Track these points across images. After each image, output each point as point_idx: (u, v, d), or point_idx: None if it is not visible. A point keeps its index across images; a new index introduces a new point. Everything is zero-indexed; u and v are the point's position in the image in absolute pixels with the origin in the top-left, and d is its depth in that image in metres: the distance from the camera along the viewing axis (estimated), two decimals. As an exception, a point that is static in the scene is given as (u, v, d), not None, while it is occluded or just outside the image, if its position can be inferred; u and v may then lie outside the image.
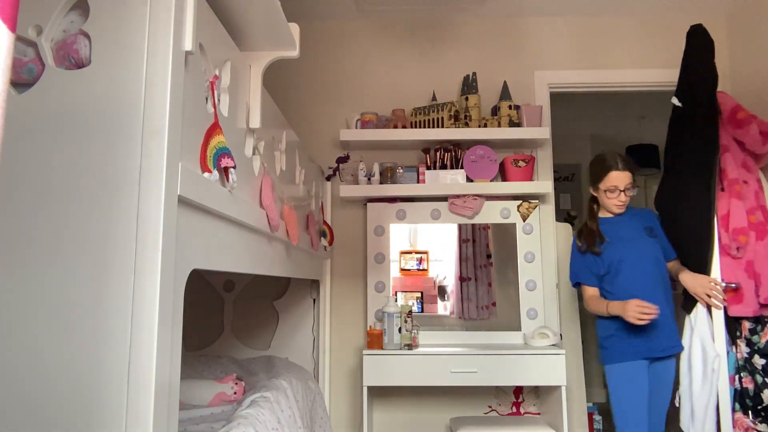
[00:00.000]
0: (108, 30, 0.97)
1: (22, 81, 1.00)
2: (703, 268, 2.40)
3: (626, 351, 2.28)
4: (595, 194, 2.46)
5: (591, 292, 2.41)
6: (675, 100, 2.54)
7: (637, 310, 2.15)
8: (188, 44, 1.01)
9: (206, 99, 1.17)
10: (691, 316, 2.42)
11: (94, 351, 0.88)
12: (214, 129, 1.17)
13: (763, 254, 2.40)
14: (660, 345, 2.29)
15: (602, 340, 2.37)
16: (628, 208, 2.45)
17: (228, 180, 1.24)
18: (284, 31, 1.60)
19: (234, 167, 1.24)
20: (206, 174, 1.12)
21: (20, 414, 0.88)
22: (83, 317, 0.89)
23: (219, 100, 1.25)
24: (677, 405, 2.46)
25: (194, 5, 1.03)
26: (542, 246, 3.05)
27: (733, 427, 2.35)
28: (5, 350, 0.89)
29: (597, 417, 3.11)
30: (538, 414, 3.00)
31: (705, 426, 2.34)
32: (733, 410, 2.38)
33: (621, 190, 2.36)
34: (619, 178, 2.35)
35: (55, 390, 0.88)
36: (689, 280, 2.38)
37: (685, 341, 2.42)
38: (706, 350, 2.36)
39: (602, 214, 2.47)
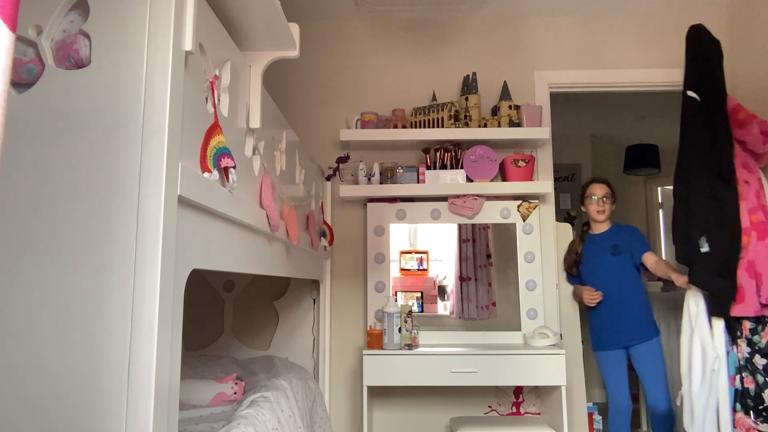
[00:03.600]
0: (108, 30, 0.97)
1: (22, 81, 1.00)
2: (734, 260, 2.37)
3: (599, 343, 2.90)
4: (584, 209, 3.02)
5: (576, 287, 3.06)
6: (693, 94, 2.46)
7: (586, 296, 2.89)
8: (188, 44, 1.01)
9: (206, 99, 1.17)
10: (692, 317, 2.42)
11: (94, 351, 0.88)
12: (214, 129, 1.17)
13: (764, 254, 2.39)
14: (620, 338, 2.80)
15: (590, 330, 2.97)
16: (617, 226, 2.98)
17: (228, 180, 1.24)
18: (284, 31, 1.60)
19: (234, 167, 1.24)
20: (206, 174, 1.12)
21: (21, 414, 0.88)
22: (83, 317, 0.89)
23: (219, 100, 1.25)
24: (678, 405, 2.47)
25: (194, 5, 1.03)
26: (542, 246, 3.05)
27: (735, 427, 2.35)
28: (5, 350, 0.89)
29: (597, 417, 3.11)
30: (538, 414, 3.00)
31: (705, 426, 2.34)
32: (734, 410, 2.38)
33: (599, 198, 2.93)
34: (596, 187, 2.96)
35: (55, 390, 0.88)
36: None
37: (684, 342, 2.43)
38: (705, 351, 2.36)
39: (591, 232, 3.02)
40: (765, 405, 2.32)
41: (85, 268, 0.90)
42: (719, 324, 2.38)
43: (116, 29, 0.96)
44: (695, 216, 2.40)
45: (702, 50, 2.51)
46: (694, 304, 2.44)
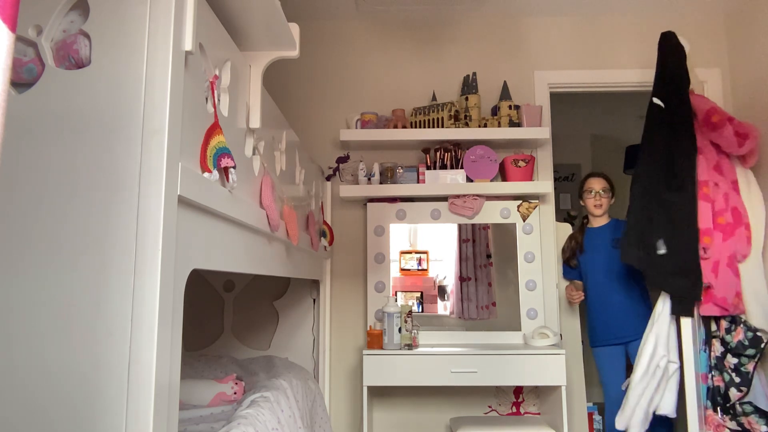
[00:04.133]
0: (108, 30, 0.97)
1: (22, 81, 1.00)
2: (695, 260, 2.41)
3: (597, 338, 2.89)
4: (582, 203, 3.04)
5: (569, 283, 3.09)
6: (657, 101, 2.54)
7: (568, 294, 2.97)
8: (188, 44, 1.01)
9: (206, 99, 1.17)
10: (655, 312, 2.47)
11: (94, 351, 0.88)
12: (214, 129, 1.17)
13: (726, 255, 2.45)
14: (618, 333, 2.80)
15: (588, 325, 2.96)
16: (617, 221, 2.95)
17: (228, 180, 1.24)
18: (284, 31, 1.60)
19: (234, 167, 1.24)
20: (206, 174, 1.12)
21: (20, 414, 0.88)
22: (83, 317, 0.89)
23: (219, 100, 1.25)
24: (623, 389, 2.53)
25: (194, 5, 1.03)
26: (542, 246, 3.05)
27: (705, 423, 2.39)
28: (5, 350, 0.89)
29: (597, 417, 3.11)
30: (538, 414, 3.00)
31: (631, 420, 2.40)
32: (705, 407, 2.42)
33: (596, 191, 2.95)
34: (594, 182, 2.99)
35: (55, 390, 0.88)
36: None
37: (645, 335, 2.48)
38: (657, 348, 2.42)
39: (590, 225, 3.01)
40: (731, 402, 2.37)
41: (85, 268, 0.90)
42: (687, 325, 2.40)
43: (116, 29, 0.96)
44: (651, 220, 2.47)
45: (669, 57, 2.57)
46: (662, 303, 2.49)
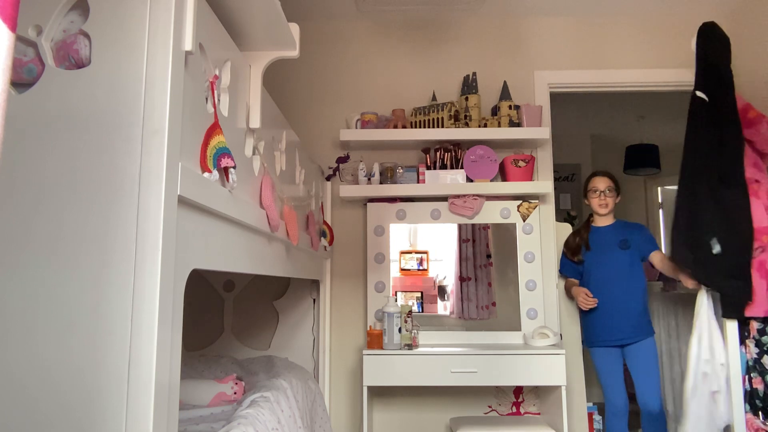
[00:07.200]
0: (108, 30, 0.97)
1: (22, 81, 1.00)
2: (747, 264, 2.33)
3: (595, 338, 2.83)
4: (587, 202, 2.98)
5: (569, 280, 3.01)
6: (701, 94, 2.43)
7: (582, 299, 2.79)
8: (188, 44, 1.01)
9: (206, 99, 1.17)
10: (695, 317, 2.41)
11: (94, 351, 0.88)
12: (214, 129, 1.17)
13: None
14: (617, 335, 2.75)
15: (582, 325, 2.95)
16: (623, 222, 2.95)
17: (228, 180, 1.24)
18: (284, 31, 1.60)
19: (234, 167, 1.25)
20: (206, 174, 1.12)
21: (20, 414, 0.88)
22: (83, 317, 0.89)
23: (219, 100, 1.25)
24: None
25: (194, 5, 1.03)
26: (542, 246, 3.05)
27: (746, 427, 2.33)
28: (5, 350, 0.89)
29: (597, 417, 3.11)
30: (538, 414, 3.00)
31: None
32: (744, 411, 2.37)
33: (601, 191, 2.90)
34: (599, 181, 2.93)
35: (55, 390, 0.88)
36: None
37: (690, 341, 2.43)
38: (699, 354, 2.35)
39: (594, 224, 2.96)
40: None
41: (85, 267, 0.90)
42: (733, 327, 2.35)
43: (116, 29, 0.96)
44: (702, 218, 2.35)
45: (711, 49, 2.48)
46: (700, 305, 2.41)
